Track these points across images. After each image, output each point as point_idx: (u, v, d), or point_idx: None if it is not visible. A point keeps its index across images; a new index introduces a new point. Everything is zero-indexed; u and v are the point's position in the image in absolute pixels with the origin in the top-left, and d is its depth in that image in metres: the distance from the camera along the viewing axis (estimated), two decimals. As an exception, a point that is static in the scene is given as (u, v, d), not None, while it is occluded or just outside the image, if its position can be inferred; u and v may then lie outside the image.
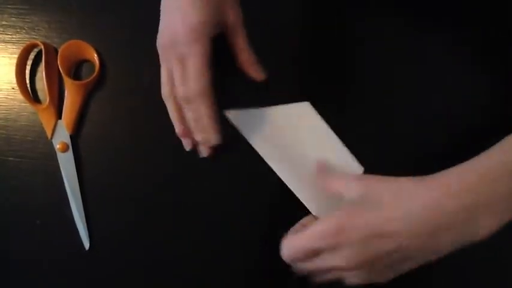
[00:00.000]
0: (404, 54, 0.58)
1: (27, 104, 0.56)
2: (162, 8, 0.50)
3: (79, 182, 0.56)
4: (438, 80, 0.57)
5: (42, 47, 0.56)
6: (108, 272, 0.56)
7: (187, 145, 0.54)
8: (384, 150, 0.56)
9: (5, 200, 0.57)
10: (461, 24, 0.58)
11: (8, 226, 0.56)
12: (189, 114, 0.51)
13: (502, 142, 0.43)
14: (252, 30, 0.53)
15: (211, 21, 0.46)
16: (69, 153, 0.56)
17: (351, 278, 0.44)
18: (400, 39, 0.58)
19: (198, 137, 0.52)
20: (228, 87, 0.55)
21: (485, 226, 0.39)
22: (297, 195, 0.54)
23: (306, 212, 0.54)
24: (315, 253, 0.44)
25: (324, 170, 0.52)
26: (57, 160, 0.56)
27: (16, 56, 0.56)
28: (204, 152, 0.54)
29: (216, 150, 0.54)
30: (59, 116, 0.56)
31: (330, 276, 0.46)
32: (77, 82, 0.56)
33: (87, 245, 0.56)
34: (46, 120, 0.56)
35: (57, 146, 0.56)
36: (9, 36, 0.58)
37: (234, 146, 0.55)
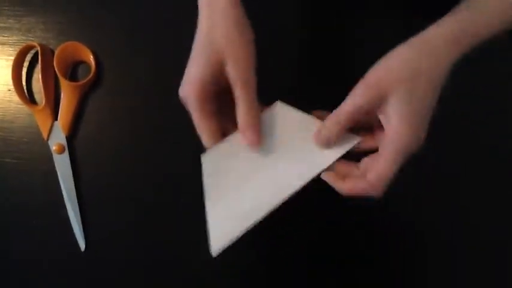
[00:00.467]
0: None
1: (24, 106, 0.57)
2: None
3: (75, 183, 0.56)
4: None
5: (39, 48, 0.56)
6: (104, 272, 0.56)
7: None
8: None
9: (1, 201, 0.57)
10: None
11: (4, 226, 0.57)
12: None
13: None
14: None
15: (208, 80, 0.46)
16: (65, 155, 0.56)
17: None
18: (399, 41, 0.58)
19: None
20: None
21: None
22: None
23: (306, 212, 0.54)
24: None
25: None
26: (53, 161, 0.56)
27: (12, 57, 0.57)
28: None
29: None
30: (55, 117, 0.57)
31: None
32: (73, 83, 0.56)
33: (82, 246, 0.56)
34: (42, 121, 0.56)
35: (53, 148, 0.56)
36: (6, 37, 0.58)
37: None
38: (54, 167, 0.56)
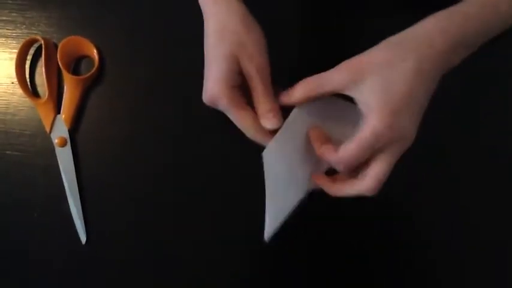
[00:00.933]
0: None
1: (26, 99, 0.57)
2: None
3: (77, 176, 0.56)
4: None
5: (42, 42, 0.56)
6: (105, 266, 0.56)
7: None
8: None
9: (2, 193, 0.57)
10: None
11: (6, 219, 0.57)
12: None
13: None
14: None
15: (229, 77, 0.47)
16: (68, 148, 0.57)
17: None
18: None
19: None
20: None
21: None
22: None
23: (308, 211, 0.54)
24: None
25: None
26: (55, 154, 0.56)
27: (16, 50, 0.57)
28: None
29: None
30: (57, 110, 0.57)
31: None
32: (76, 77, 0.57)
33: (83, 239, 0.56)
34: (45, 114, 0.56)
35: (56, 141, 0.56)
36: (10, 31, 0.59)
37: (236, 147, 0.55)
38: (56, 160, 0.56)
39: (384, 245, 0.58)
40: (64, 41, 0.57)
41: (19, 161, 0.57)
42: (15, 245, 0.57)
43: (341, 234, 0.57)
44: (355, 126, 0.47)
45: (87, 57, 0.59)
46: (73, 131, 0.57)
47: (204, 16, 0.49)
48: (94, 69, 0.57)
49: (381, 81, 0.43)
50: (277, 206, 0.51)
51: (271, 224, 0.50)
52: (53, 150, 0.56)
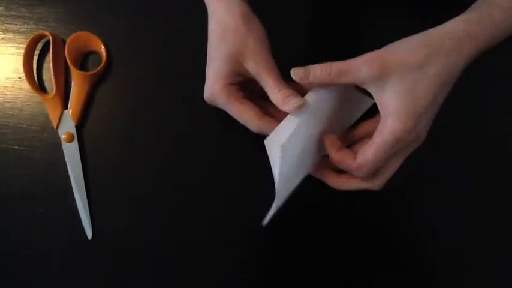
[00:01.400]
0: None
1: (34, 94, 0.57)
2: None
3: (83, 172, 0.56)
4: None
5: (50, 37, 0.56)
6: (110, 261, 0.56)
7: None
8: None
9: (9, 188, 0.57)
10: None
11: (12, 214, 0.57)
12: None
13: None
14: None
15: (229, 76, 0.48)
16: (74, 144, 0.57)
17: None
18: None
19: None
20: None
21: None
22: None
23: (310, 210, 0.55)
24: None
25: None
26: (62, 150, 0.56)
27: (24, 46, 0.57)
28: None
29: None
30: (65, 106, 0.57)
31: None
32: (83, 73, 0.57)
33: (89, 235, 0.56)
34: (52, 110, 0.57)
35: (63, 136, 0.56)
36: (18, 26, 0.59)
37: (237, 147, 0.55)
38: (63, 155, 0.56)
39: (384, 245, 0.58)
40: (72, 36, 0.57)
41: (26, 156, 0.57)
42: (21, 239, 0.56)
43: (341, 233, 0.57)
44: (355, 112, 0.48)
45: (95, 53, 0.59)
46: (80, 126, 0.57)
47: (208, 14, 0.49)
48: (102, 65, 0.57)
49: (406, 84, 0.43)
50: (284, 191, 0.50)
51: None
52: (60, 145, 0.56)
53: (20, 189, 0.57)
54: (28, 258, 0.56)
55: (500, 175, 0.58)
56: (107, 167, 0.57)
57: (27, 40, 0.57)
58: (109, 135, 0.58)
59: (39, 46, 0.58)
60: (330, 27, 0.60)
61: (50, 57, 0.56)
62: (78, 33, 0.57)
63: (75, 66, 0.57)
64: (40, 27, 0.58)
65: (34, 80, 0.57)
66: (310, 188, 0.51)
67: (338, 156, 0.47)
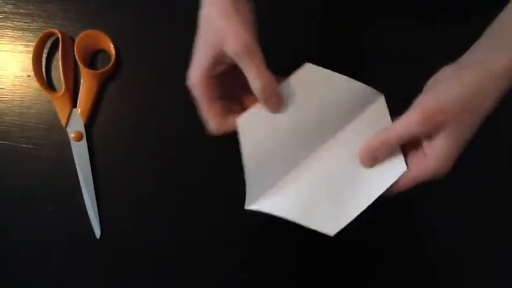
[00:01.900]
0: (406, 56, 0.59)
1: (43, 92, 0.57)
2: None
3: (92, 171, 0.56)
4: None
5: (59, 35, 0.56)
6: (118, 260, 0.57)
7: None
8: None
9: (17, 186, 0.57)
10: (462, 22, 0.60)
11: (21, 212, 0.57)
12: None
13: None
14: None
15: (211, 63, 0.46)
16: (83, 142, 0.57)
17: None
18: (400, 41, 0.59)
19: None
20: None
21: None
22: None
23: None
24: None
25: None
26: (71, 148, 0.56)
27: (33, 44, 0.57)
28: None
29: None
30: (74, 104, 0.57)
31: None
32: (92, 71, 0.57)
33: (98, 233, 0.56)
34: (61, 108, 0.56)
35: (71, 135, 0.56)
36: (27, 24, 0.58)
37: (239, 149, 0.56)
38: (71, 154, 0.56)
39: (384, 245, 0.59)
40: (81, 34, 0.57)
41: (34, 154, 0.57)
42: (30, 237, 0.56)
43: (341, 234, 0.56)
44: (360, 107, 0.49)
45: (104, 51, 0.59)
46: (89, 125, 0.57)
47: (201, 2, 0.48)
48: (111, 63, 0.57)
49: (453, 136, 0.45)
50: (261, 175, 0.49)
51: (250, 192, 0.49)
52: (68, 143, 0.56)
53: (29, 187, 0.57)
54: (37, 256, 0.56)
55: (500, 175, 0.59)
56: (116, 166, 0.57)
57: (36, 38, 0.56)
58: (118, 134, 0.58)
59: (48, 44, 0.58)
60: (330, 28, 0.60)
61: (59, 55, 0.56)
62: (88, 31, 0.57)
63: (84, 64, 0.56)
64: (49, 25, 0.58)
65: (43, 78, 0.57)
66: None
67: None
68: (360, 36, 0.60)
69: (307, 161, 0.50)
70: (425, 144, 0.47)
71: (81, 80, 0.57)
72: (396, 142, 0.47)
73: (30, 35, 0.58)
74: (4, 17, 0.58)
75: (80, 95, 0.57)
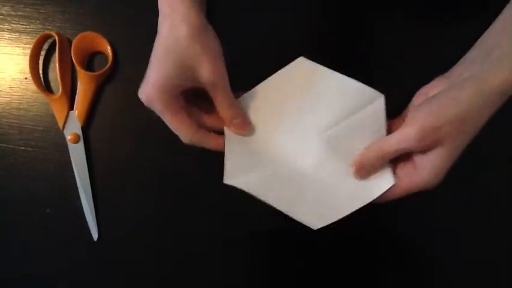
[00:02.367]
0: (407, 56, 0.59)
1: (40, 94, 0.57)
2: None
3: (89, 173, 0.56)
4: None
5: (56, 37, 0.56)
6: (116, 262, 0.57)
7: None
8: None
9: (15, 189, 0.57)
10: (463, 21, 0.59)
11: (18, 214, 0.57)
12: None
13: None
14: (255, 30, 0.55)
15: (173, 82, 0.46)
16: (80, 145, 0.57)
17: None
18: (401, 42, 0.59)
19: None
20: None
21: None
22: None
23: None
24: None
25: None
26: (68, 150, 0.56)
27: (30, 46, 0.57)
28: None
29: None
30: (71, 106, 0.57)
31: None
32: (89, 73, 0.57)
33: (95, 236, 0.56)
34: (58, 110, 0.56)
35: (69, 137, 0.56)
36: (24, 26, 0.58)
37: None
38: (68, 156, 0.56)
39: (384, 245, 0.59)
40: (78, 36, 0.56)
41: (31, 157, 0.57)
42: (28, 240, 0.57)
43: (341, 234, 0.57)
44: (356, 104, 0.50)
45: (101, 54, 0.59)
46: (86, 127, 0.57)
47: (159, 21, 0.48)
48: (108, 65, 0.57)
49: (448, 152, 0.46)
50: (243, 155, 0.51)
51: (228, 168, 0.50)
52: (66, 146, 0.57)
53: (26, 190, 0.57)
54: (34, 258, 0.56)
55: (500, 175, 0.59)
56: (113, 168, 0.57)
57: (34, 40, 0.56)
58: (115, 136, 0.58)
59: (46, 46, 0.58)
60: (330, 30, 0.60)
61: (56, 57, 0.56)
62: (85, 33, 0.57)
63: (81, 66, 0.56)
64: (46, 27, 0.58)
65: (40, 80, 0.57)
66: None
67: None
68: (361, 38, 0.60)
69: (296, 153, 0.52)
70: (417, 157, 0.48)
71: (78, 82, 0.57)
72: (391, 156, 0.48)
73: (28, 37, 0.58)
74: (1, 19, 0.58)
75: (77, 97, 0.57)
